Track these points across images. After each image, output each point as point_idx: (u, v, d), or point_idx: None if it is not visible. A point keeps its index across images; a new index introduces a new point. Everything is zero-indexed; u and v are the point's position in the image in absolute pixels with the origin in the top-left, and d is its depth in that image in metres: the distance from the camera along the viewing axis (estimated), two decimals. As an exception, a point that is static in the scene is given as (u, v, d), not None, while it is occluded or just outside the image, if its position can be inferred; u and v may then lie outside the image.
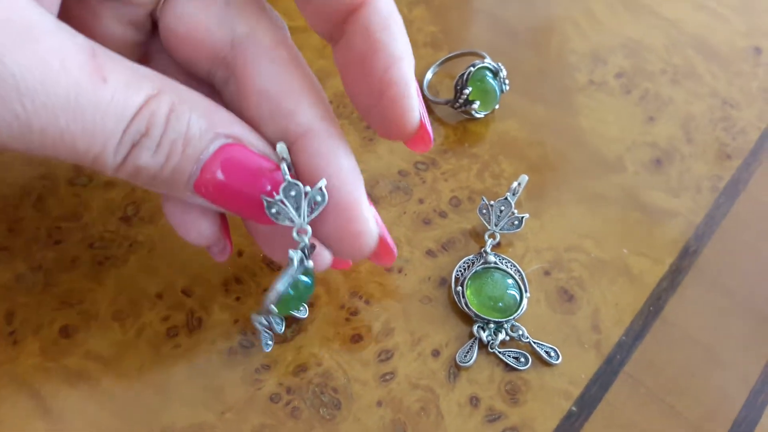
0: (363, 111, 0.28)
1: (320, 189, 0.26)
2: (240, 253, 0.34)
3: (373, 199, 0.36)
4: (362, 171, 0.36)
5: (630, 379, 0.32)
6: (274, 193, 0.25)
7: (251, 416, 0.30)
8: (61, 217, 0.35)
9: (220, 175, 0.25)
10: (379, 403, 0.30)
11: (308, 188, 0.26)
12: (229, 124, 0.25)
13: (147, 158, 0.24)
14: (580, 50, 0.43)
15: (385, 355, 0.31)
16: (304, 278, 0.28)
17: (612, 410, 0.31)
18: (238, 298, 0.33)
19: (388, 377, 0.31)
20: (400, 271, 0.34)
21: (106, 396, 0.30)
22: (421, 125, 0.28)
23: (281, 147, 0.26)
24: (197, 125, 0.24)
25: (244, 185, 0.25)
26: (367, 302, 0.33)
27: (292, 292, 0.27)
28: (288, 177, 0.25)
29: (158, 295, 0.33)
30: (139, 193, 0.35)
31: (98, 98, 0.22)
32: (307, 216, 0.26)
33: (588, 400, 0.31)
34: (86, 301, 0.32)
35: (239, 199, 0.26)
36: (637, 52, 0.43)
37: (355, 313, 0.33)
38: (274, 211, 0.26)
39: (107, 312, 0.32)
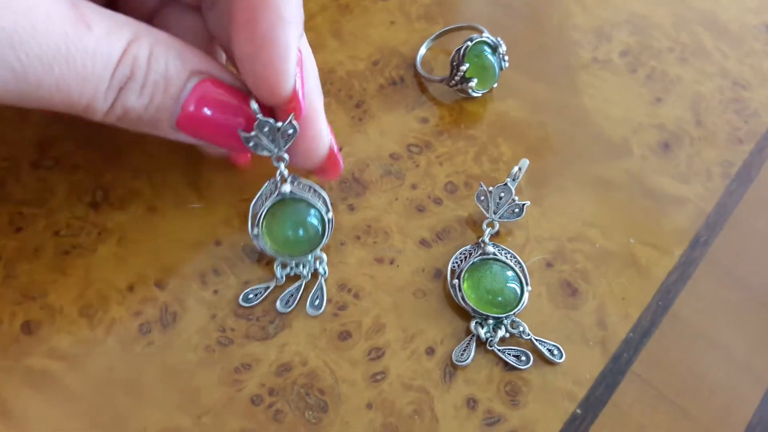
0: (240, 67, 0.27)
1: (290, 122, 0.28)
2: (218, 243, 0.31)
3: (363, 184, 0.34)
4: (351, 154, 0.34)
5: (638, 379, 0.29)
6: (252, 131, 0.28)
7: (230, 420, 0.27)
8: (24, 201, 0.32)
9: (199, 111, 0.27)
10: (369, 406, 0.28)
11: (279, 123, 0.28)
12: (202, 62, 0.27)
13: (133, 100, 0.26)
14: (583, 26, 0.41)
15: (376, 354, 0.29)
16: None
17: (619, 413, 0.29)
18: (215, 291, 0.30)
19: (378, 377, 0.29)
20: (391, 262, 0.31)
21: (72, 399, 0.27)
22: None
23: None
24: (173, 65, 0.26)
25: (221, 119, 0.27)
26: (356, 296, 0.30)
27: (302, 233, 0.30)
28: (259, 115, 0.27)
29: (129, 287, 0.30)
30: (108, 177, 0.33)
31: (85, 45, 0.23)
32: (282, 146, 0.29)
33: (593, 402, 0.29)
34: (50, 294, 0.30)
35: (218, 133, 0.28)
36: (643, 28, 0.41)
37: (343, 307, 0.30)
38: (251, 144, 0.28)
39: (73, 306, 0.29)
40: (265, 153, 0.29)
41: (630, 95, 0.38)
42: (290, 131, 0.28)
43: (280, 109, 0.28)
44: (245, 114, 0.27)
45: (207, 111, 0.27)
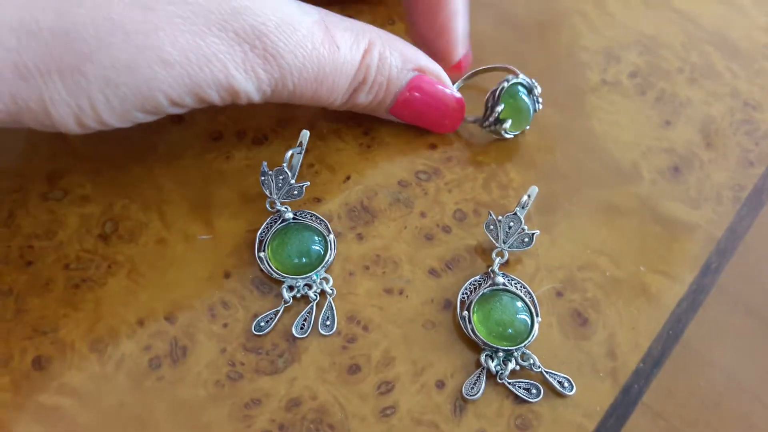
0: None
1: (301, 186, 0.32)
2: (227, 275, 0.31)
3: (371, 212, 0.34)
4: (359, 182, 0.34)
5: (649, 411, 0.29)
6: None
7: (241, 456, 0.27)
8: (34, 235, 0.32)
9: (410, 99, 0.34)
10: (379, 441, 0.28)
11: (293, 181, 0.32)
12: (416, 59, 0.33)
13: (362, 98, 0.33)
14: (592, 47, 0.40)
15: (386, 388, 0.29)
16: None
17: (630, 446, 0.28)
18: (225, 325, 0.30)
19: (388, 412, 0.29)
20: (401, 292, 0.31)
21: (82, 435, 0.27)
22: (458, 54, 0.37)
23: (303, 133, 0.32)
24: (395, 65, 0.32)
25: (428, 104, 0.34)
26: (365, 328, 0.30)
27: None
28: (285, 165, 0.32)
29: (139, 321, 0.30)
30: (118, 208, 0.33)
31: (336, 64, 0.30)
32: (281, 197, 0.32)
33: (604, 435, 0.29)
34: (61, 329, 0.30)
35: (425, 116, 0.35)
36: (652, 49, 0.40)
37: (352, 340, 0.30)
38: (262, 179, 0.32)
39: (84, 341, 0.29)
40: (266, 192, 0.32)
41: (639, 118, 0.38)
42: (295, 192, 0.32)
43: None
44: (447, 100, 0.34)
45: (417, 99, 0.34)
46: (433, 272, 0.32)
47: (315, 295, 0.31)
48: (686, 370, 0.30)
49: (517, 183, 0.35)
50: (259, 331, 0.30)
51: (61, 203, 0.33)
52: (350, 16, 0.38)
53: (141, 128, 0.34)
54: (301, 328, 0.30)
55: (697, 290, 0.32)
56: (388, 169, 0.35)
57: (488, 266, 0.32)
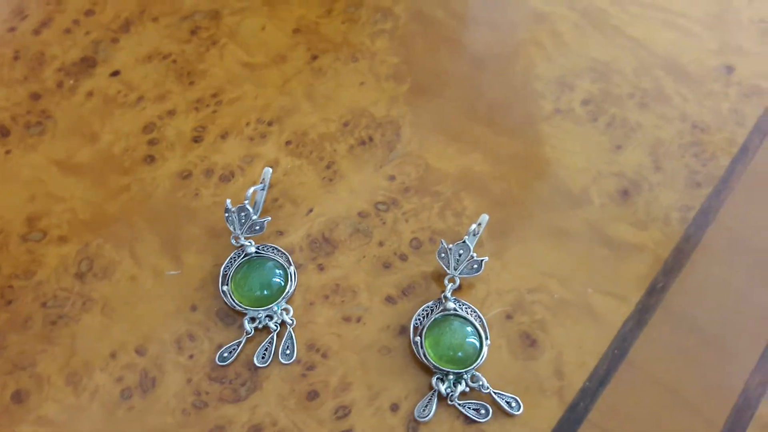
0: None
1: (262, 222, 0.34)
2: (194, 308, 0.33)
3: (332, 243, 0.35)
4: (321, 214, 0.36)
5: (595, 428, 0.31)
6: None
7: (205, 480, 0.29)
8: (13, 275, 0.34)
9: None
10: (336, 462, 0.30)
11: (254, 217, 0.33)
12: None
13: None
14: (546, 76, 0.42)
15: (342, 412, 0.31)
16: None
17: (575, 462, 0.30)
18: (191, 356, 0.32)
19: (344, 435, 0.30)
20: (358, 320, 0.33)
21: (57, 464, 0.29)
22: None
23: (266, 170, 0.34)
24: None
25: None
26: (324, 356, 0.32)
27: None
28: (246, 202, 0.33)
29: (112, 354, 0.32)
30: (93, 248, 0.35)
31: None
32: (244, 232, 0.34)
33: (550, 452, 0.30)
34: (39, 364, 0.32)
35: None
36: (605, 75, 0.42)
37: (311, 367, 0.32)
38: (226, 215, 0.34)
39: (60, 375, 0.31)
40: (231, 228, 0.33)
41: (590, 144, 0.39)
42: (257, 227, 0.34)
43: None
44: None
45: None
46: (389, 299, 0.34)
47: (276, 326, 0.32)
48: (631, 387, 0.32)
49: (470, 211, 0.37)
50: (222, 362, 0.32)
51: (39, 244, 0.35)
52: (314, 56, 0.40)
53: (115, 168, 0.37)
54: (263, 358, 0.32)
55: (643, 309, 0.34)
56: (350, 201, 0.37)
57: (442, 291, 0.34)
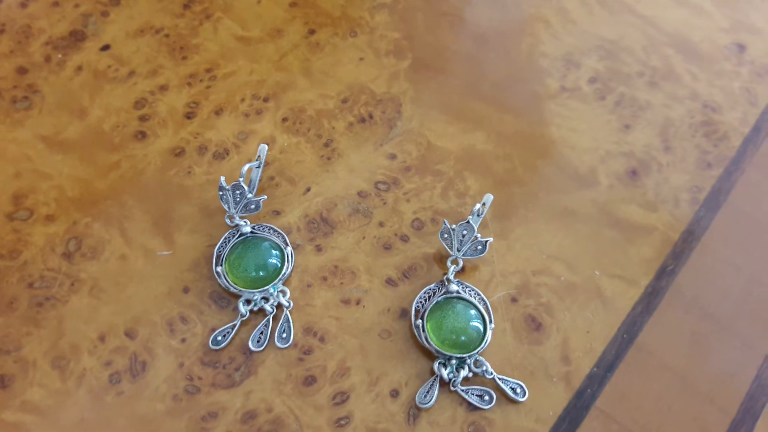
0: None
1: (258, 201, 0.32)
2: (186, 290, 0.32)
3: (331, 223, 0.34)
4: (319, 193, 0.35)
5: (602, 415, 0.30)
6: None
7: (198, 468, 0.28)
8: (-1, 255, 0.33)
9: None
10: (334, 450, 0.28)
11: (250, 195, 0.32)
12: None
13: None
14: (552, 53, 0.41)
15: (341, 398, 0.30)
16: None
17: (582, 450, 0.29)
18: (183, 340, 0.31)
19: (343, 422, 0.29)
20: (358, 303, 0.32)
21: (43, 451, 0.28)
22: None
23: (261, 147, 0.33)
24: None
25: None
26: (322, 339, 0.31)
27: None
28: (241, 179, 0.32)
29: (100, 337, 0.31)
30: (81, 227, 0.33)
31: None
32: (239, 210, 0.32)
33: (556, 440, 0.29)
34: (24, 347, 0.30)
35: None
36: (613, 53, 0.41)
37: (308, 352, 0.31)
38: (221, 194, 0.32)
39: (46, 358, 0.30)
40: (225, 207, 0.32)
41: (598, 123, 0.38)
42: (252, 206, 0.32)
43: None
44: None
45: None
46: (390, 282, 0.33)
47: (272, 308, 0.31)
48: (640, 373, 0.31)
49: (474, 191, 0.35)
50: (216, 346, 0.30)
51: (25, 223, 0.34)
52: (312, 31, 0.38)
53: (104, 145, 0.35)
54: (258, 342, 0.30)
55: (653, 293, 0.33)
56: (349, 180, 0.36)
57: (444, 274, 0.33)
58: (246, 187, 0.32)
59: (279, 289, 0.32)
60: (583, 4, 0.43)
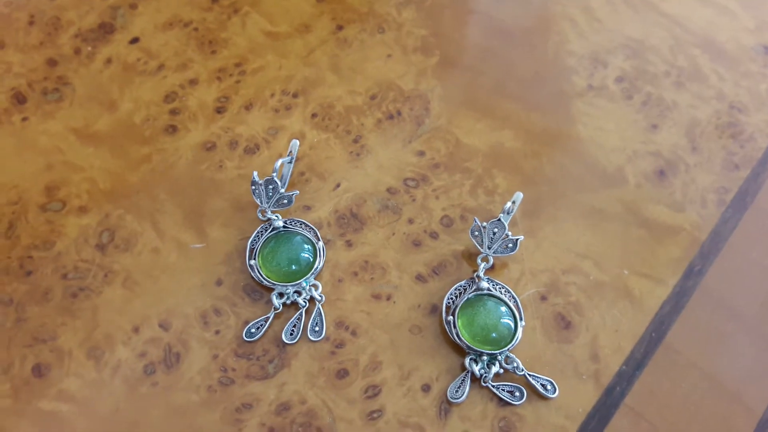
0: None
1: (291, 196, 0.33)
2: (219, 282, 0.32)
3: (360, 219, 0.34)
4: (349, 189, 0.35)
5: (631, 412, 0.30)
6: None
7: (232, 459, 0.28)
8: (33, 245, 0.33)
9: None
10: (367, 443, 0.29)
11: (282, 190, 0.33)
12: None
13: None
14: (579, 52, 0.41)
15: (373, 391, 0.30)
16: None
17: (612, 447, 0.29)
18: (217, 332, 0.31)
19: (375, 415, 0.29)
20: (388, 298, 0.32)
21: (79, 440, 0.28)
22: None
23: (293, 142, 0.33)
24: None
25: None
26: (353, 333, 0.31)
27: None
28: (274, 174, 0.32)
29: (134, 328, 0.31)
30: (114, 219, 0.34)
31: None
32: (271, 205, 0.33)
33: (586, 436, 0.29)
34: (59, 337, 0.31)
35: None
36: (639, 53, 0.41)
37: (341, 345, 0.31)
38: (253, 188, 0.33)
39: (81, 348, 0.30)
40: (257, 201, 0.32)
41: (625, 122, 0.38)
42: (285, 201, 0.33)
43: None
44: None
45: None
46: (420, 278, 0.33)
47: (304, 302, 0.31)
48: (668, 372, 0.31)
49: (502, 188, 0.36)
50: (250, 338, 0.31)
51: (58, 214, 0.34)
52: (339, 26, 0.38)
53: (135, 138, 0.35)
54: (291, 334, 0.31)
55: (681, 293, 0.33)
56: (378, 177, 0.36)
57: (474, 271, 0.33)
58: (279, 182, 0.32)
59: (311, 283, 0.32)
60: (608, 2, 0.43)
